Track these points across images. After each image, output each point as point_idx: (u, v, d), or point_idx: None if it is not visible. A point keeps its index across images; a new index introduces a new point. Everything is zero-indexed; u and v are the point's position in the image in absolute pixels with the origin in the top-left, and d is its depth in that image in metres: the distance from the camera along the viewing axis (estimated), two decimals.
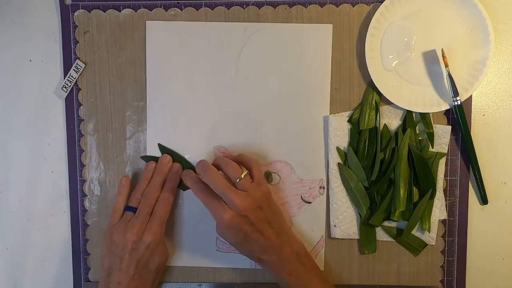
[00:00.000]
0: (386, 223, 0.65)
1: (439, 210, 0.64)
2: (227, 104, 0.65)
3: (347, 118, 0.65)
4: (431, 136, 0.64)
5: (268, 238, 0.59)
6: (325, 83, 0.65)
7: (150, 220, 0.62)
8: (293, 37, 0.64)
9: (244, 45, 0.64)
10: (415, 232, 0.65)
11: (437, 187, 0.64)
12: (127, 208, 0.63)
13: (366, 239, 0.65)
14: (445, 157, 0.64)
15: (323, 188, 0.65)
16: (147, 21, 0.65)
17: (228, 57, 0.65)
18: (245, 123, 0.65)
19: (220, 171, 0.60)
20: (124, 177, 0.65)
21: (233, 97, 0.65)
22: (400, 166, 0.62)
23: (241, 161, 0.62)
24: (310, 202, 0.66)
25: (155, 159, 0.65)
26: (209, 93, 0.65)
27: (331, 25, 0.64)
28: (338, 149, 0.65)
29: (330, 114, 0.65)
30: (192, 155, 0.66)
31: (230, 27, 0.64)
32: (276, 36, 0.64)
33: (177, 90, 0.65)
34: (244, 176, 0.59)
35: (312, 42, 0.64)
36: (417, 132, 0.64)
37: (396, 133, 0.64)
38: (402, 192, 0.62)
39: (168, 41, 0.65)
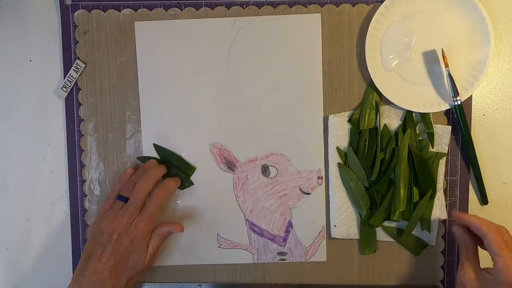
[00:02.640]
0: (386, 223, 0.65)
1: (439, 210, 0.64)
2: (220, 100, 0.65)
3: (347, 118, 0.65)
4: (431, 136, 0.64)
5: None
6: (317, 74, 0.64)
7: (139, 215, 0.60)
8: (283, 29, 0.64)
9: (234, 39, 0.64)
10: (415, 232, 0.65)
11: (437, 187, 0.64)
12: (119, 197, 0.61)
13: (366, 239, 0.65)
14: (445, 157, 0.64)
15: (321, 178, 0.65)
16: (135, 22, 0.65)
17: (219, 53, 0.65)
18: (239, 117, 0.65)
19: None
20: (129, 167, 0.65)
21: (226, 92, 0.65)
22: (400, 166, 0.62)
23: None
24: (309, 193, 0.66)
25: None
26: (202, 90, 0.65)
27: (319, 14, 0.64)
28: (338, 149, 0.65)
29: (329, 113, 0.65)
30: (188, 154, 0.66)
31: (218, 23, 0.64)
32: (265, 28, 0.64)
33: (170, 89, 0.65)
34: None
35: (301, 32, 0.64)
36: (417, 132, 0.64)
37: (396, 133, 0.64)
38: (402, 192, 0.62)
39: (157, 40, 0.65)
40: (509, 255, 0.54)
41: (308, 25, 0.64)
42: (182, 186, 0.65)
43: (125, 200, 0.61)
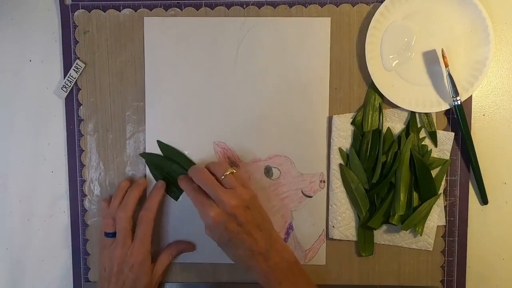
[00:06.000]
0: (384, 227, 0.65)
1: (437, 216, 0.64)
2: (226, 99, 0.65)
3: (351, 120, 0.64)
4: (433, 135, 0.64)
5: (256, 241, 0.58)
6: (324, 78, 0.64)
7: (132, 243, 0.61)
8: (292, 31, 0.64)
9: (243, 40, 0.64)
10: (413, 237, 0.65)
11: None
12: (106, 234, 0.63)
13: (364, 242, 0.65)
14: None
15: (324, 182, 0.65)
16: (145, 17, 0.65)
17: (227, 52, 0.65)
18: (245, 118, 0.65)
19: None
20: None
21: (232, 92, 0.65)
22: (402, 170, 0.62)
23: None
24: (310, 196, 0.66)
25: (155, 156, 0.65)
26: (208, 88, 0.65)
27: (329, 18, 0.64)
28: (340, 150, 0.65)
29: (329, 112, 0.65)
30: (191, 151, 0.66)
31: (228, 22, 0.64)
32: (274, 30, 0.64)
33: (176, 86, 0.65)
34: (229, 173, 0.59)
35: (310, 35, 0.64)
36: (420, 137, 0.64)
37: (399, 137, 0.64)
38: (402, 196, 0.62)
39: (166, 37, 0.65)
40: (200, 198, 0.59)
41: (317, 29, 0.64)
42: (176, 197, 0.66)
43: (112, 235, 0.62)
